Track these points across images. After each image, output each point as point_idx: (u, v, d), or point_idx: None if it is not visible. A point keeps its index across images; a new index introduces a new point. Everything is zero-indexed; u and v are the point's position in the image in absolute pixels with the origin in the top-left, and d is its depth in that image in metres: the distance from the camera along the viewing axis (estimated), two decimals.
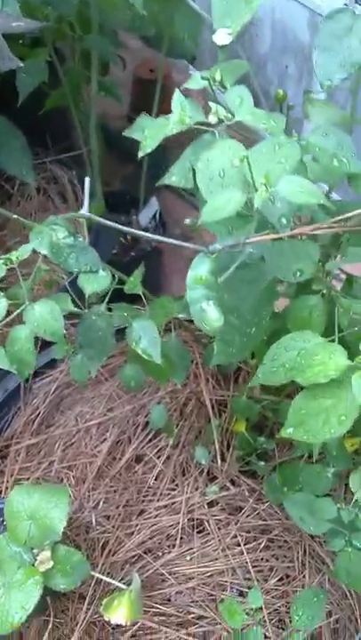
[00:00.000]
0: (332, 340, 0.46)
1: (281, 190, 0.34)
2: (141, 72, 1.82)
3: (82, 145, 1.28)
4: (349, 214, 0.39)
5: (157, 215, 1.51)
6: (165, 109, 0.49)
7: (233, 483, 0.90)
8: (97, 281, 0.61)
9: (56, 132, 1.32)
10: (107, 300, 0.69)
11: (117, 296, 0.72)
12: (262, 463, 0.88)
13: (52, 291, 0.88)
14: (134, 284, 0.66)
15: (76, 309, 0.63)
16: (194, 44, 1.20)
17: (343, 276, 0.66)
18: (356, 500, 0.59)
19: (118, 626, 0.79)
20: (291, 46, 1.67)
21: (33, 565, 0.65)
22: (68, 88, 1.21)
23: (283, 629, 0.77)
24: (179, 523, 0.85)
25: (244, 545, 0.83)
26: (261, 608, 0.76)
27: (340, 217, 0.42)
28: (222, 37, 0.38)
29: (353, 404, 0.38)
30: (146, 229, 1.50)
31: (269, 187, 0.34)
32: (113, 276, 0.69)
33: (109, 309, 0.70)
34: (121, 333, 0.69)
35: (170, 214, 1.55)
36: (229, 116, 0.39)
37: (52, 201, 1.24)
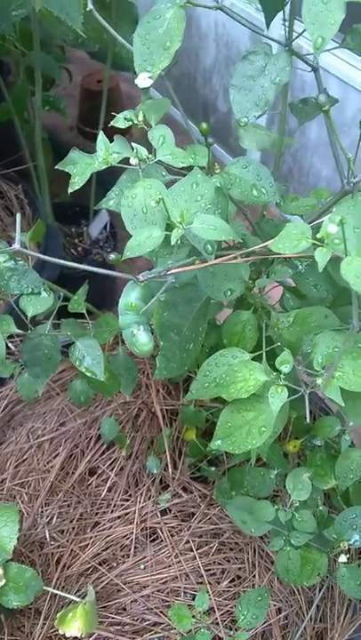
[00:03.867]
0: (260, 355, 0.49)
1: (194, 228, 0.36)
2: (89, 83, 1.84)
3: (28, 159, 1.28)
4: (259, 246, 0.42)
5: (108, 226, 1.52)
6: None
7: (185, 490, 0.92)
8: (39, 302, 0.62)
9: (1, 147, 1.32)
10: (52, 318, 0.71)
11: (67, 310, 0.73)
12: (213, 469, 0.91)
13: None
14: (78, 302, 0.68)
15: (19, 331, 0.64)
16: None
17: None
18: (293, 501, 0.63)
19: (75, 638, 0.80)
20: (234, 59, 1.72)
21: None
22: (13, 103, 1.21)
23: (236, 630, 0.80)
24: (132, 533, 0.87)
25: (197, 550, 0.86)
26: (212, 610, 0.79)
27: (265, 243, 0.45)
28: (143, 81, 0.40)
29: (271, 415, 0.41)
30: (97, 240, 1.52)
31: (185, 224, 0.37)
32: (59, 295, 0.71)
33: (58, 325, 0.72)
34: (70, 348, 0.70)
35: (121, 224, 1.57)
36: (151, 156, 0.42)
37: None
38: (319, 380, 0.40)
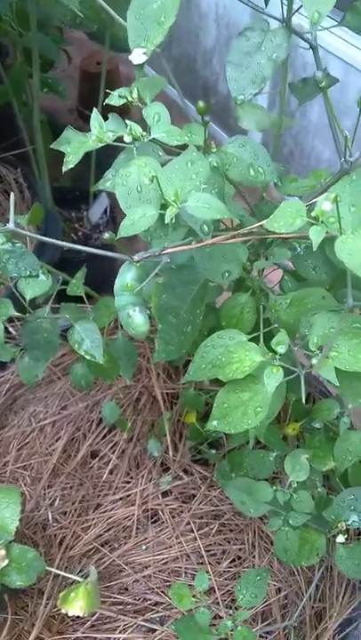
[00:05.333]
0: (257, 337, 0.49)
1: (189, 207, 0.36)
2: (88, 65, 1.81)
3: (27, 142, 1.27)
4: (255, 225, 0.41)
5: (107, 210, 1.51)
6: None
7: (186, 472, 0.93)
8: (37, 285, 0.62)
9: (0, 130, 1.30)
10: (51, 301, 0.71)
11: (67, 295, 0.73)
12: (213, 451, 0.92)
13: None
14: (77, 286, 0.68)
15: (18, 314, 0.64)
16: None
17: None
18: (291, 482, 0.63)
19: (77, 617, 0.81)
20: None
21: None
22: (11, 85, 1.20)
23: (236, 609, 0.81)
24: (134, 514, 0.88)
25: (197, 531, 0.87)
26: (213, 590, 0.80)
27: (261, 222, 0.45)
28: (138, 57, 0.40)
29: (266, 396, 0.42)
30: (97, 225, 1.51)
31: (179, 203, 0.36)
32: (58, 279, 0.70)
33: (58, 309, 0.72)
34: None
35: (121, 209, 1.56)
36: (145, 134, 0.41)
37: None
38: (315, 360, 0.40)
